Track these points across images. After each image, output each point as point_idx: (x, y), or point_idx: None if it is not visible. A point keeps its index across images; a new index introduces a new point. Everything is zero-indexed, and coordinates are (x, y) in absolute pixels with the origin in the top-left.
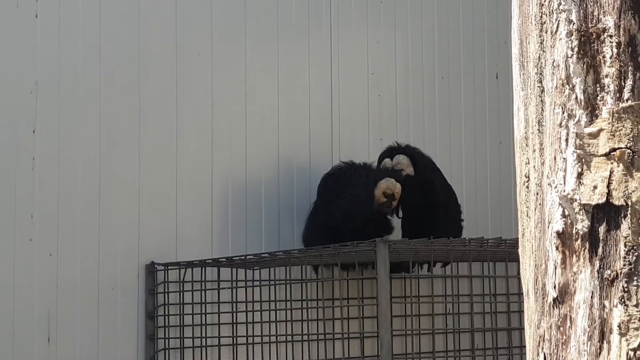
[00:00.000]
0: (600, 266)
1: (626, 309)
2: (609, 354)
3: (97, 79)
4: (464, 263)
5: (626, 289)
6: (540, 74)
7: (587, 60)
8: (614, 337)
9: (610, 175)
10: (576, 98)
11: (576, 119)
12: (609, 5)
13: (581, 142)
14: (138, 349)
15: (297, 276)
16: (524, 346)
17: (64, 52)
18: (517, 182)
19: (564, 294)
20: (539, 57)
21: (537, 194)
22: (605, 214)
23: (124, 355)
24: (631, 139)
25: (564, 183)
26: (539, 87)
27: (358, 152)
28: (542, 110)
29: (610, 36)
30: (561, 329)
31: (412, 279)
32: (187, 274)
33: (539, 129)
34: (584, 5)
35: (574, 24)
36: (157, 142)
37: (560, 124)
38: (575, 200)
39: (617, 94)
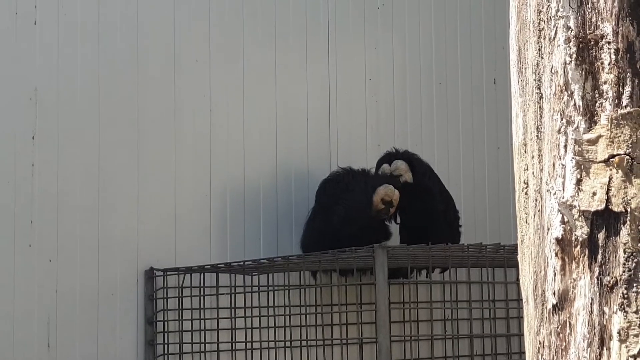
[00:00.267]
0: (599, 273)
1: (626, 316)
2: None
3: (96, 86)
4: (462, 269)
5: (626, 296)
6: (539, 80)
7: (585, 67)
8: (614, 344)
9: (609, 182)
10: (575, 104)
11: (575, 125)
12: (607, 12)
13: (580, 149)
14: (137, 354)
15: (295, 282)
16: (523, 352)
17: (63, 59)
18: (515, 189)
19: (563, 301)
20: (537, 64)
21: (536, 200)
22: (605, 220)
23: None
24: (630, 146)
25: (563, 189)
26: (537, 93)
27: (356, 158)
28: (541, 116)
29: (609, 43)
30: (561, 335)
31: (410, 285)
32: (185, 280)
33: (537, 136)
34: (582, 12)
35: (572, 30)
36: (155, 148)
37: (559, 130)
38: (575, 206)
39: (616, 101)
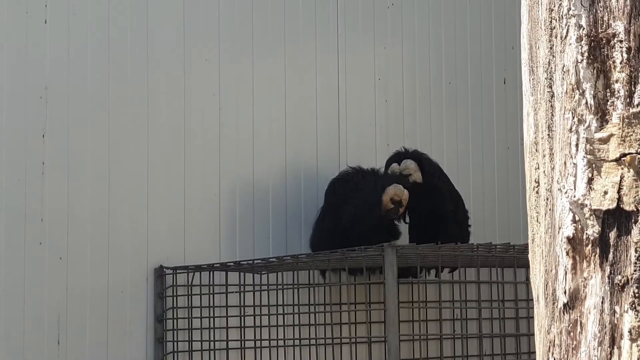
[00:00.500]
0: (610, 272)
1: (637, 315)
2: (619, 359)
3: (106, 84)
4: (471, 269)
5: (637, 295)
6: (550, 79)
7: (597, 66)
8: (625, 343)
9: (620, 181)
10: (586, 103)
11: (586, 124)
12: (619, 11)
13: (591, 148)
14: (147, 352)
15: (304, 281)
16: (532, 352)
17: (73, 58)
18: (526, 188)
19: (574, 300)
20: (549, 62)
21: (547, 199)
22: (616, 219)
23: (132, 358)
24: None
25: (575, 188)
26: (548, 92)
27: (365, 157)
28: (552, 115)
29: (620, 41)
30: (571, 334)
31: (419, 284)
32: (195, 278)
33: (548, 134)
34: (594, 11)
35: (583, 29)
36: (165, 147)
37: (571, 129)
38: (586, 205)
39: (628, 99)
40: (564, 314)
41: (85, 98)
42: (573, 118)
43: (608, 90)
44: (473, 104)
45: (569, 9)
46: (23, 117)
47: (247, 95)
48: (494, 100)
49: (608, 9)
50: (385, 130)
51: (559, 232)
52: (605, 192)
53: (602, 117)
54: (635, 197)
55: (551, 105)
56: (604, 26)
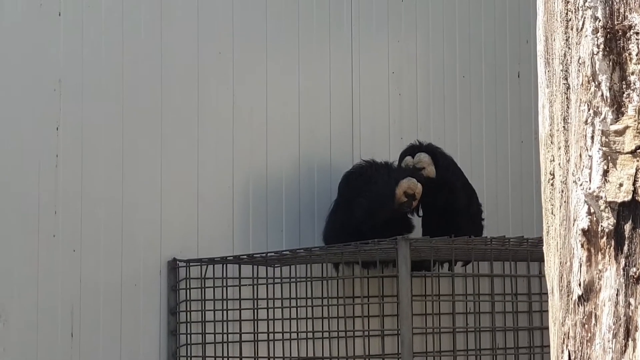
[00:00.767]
0: (625, 264)
1: None
2: (634, 351)
3: (120, 77)
4: (484, 262)
5: None
6: (566, 71)
7: (613, 58)
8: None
9: (636, 173)
10: (602, 95)
11: (602, 116)
12: (635, 3)
13: (607, 140)
14: (160, 344)
15: (317, 274)
16: (545, 346)
17: (87, 50)
18: (541, 180)
19: (589, 292)
20: (565, 54)
21: (562, 191)
22: (631, 211)
23: (146, 350)
24: None
25: (590, 180)
26: (564, 84)
27: (378, 151)
28: (568, 107)
29: (637, 33)
30: (586, 326)
31: (432, 278)
32: (208, 271)
33: (564, 126)
34: (610, 3)
35: (599, 21)
36: (179, 140)
37: (586, 121)
38: (601, 197)
39: None
40: (578, 306)
41: (99, 91)
42: (589, 110)
43: (624, 82)
44: (487, 97)
45: (585, 1)
46: (37, 110)
47: (260, 88)
48: (508, 94)
49: (624, 1)
50: (399, 123)
51: (574, 224)
52: (621, 185)
53: (618, 109)
54: None
55: (567, 98)
56: (620, 18)
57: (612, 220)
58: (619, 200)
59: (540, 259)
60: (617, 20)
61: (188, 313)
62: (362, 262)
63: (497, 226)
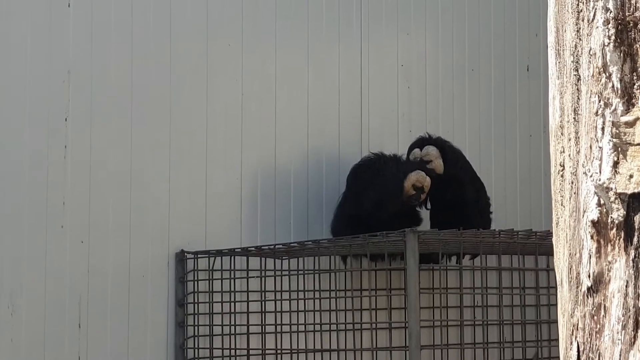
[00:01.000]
0: (635, 255)
1: None
2: None
3: (129, 68)
4: (492, 255)
5: None
6: (577, 62)
7: (624, 49)
8: None
9: None
10: (613, 86)
11: (612, 107)
12: None
13: (617, 131)
14: (168, 336)
15: (325, 266)
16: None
17: (96, 41)
18: (551, 171)
19: (598, 283)
20: (576, 45)
21: (572, 182)
22: None
23: (153, 341)
24: None
25: (600, 172)
26: (575, 75)
27: (387, 143)
28: (578, 98)
29: None
30: (595, 317)
31: (440, 271)
32: (216, 263)
33: (574, 118)
34: None
35: (611, 12)
36: (187, 132)
37: (597, 112)
38: (611, 189)
39: None
40: (587, 297)
41: (107, 82)
42: (599, 101)
43: (635, 73)
44: (496, 91)
45: None
46: (46, 101)
47: (269, 80)
48: (517, 88)
49: None
50: (407, 116)
51: (583, 215)
52: (631, 176)
53: (629, 100)
54: None
55: (577, 89)
56: (632, 9)
57: (622, 212)
58: (629, 192)
59: (548, 253)
60: (629, 12)
61: (196, 305)
62: (370, 254)
63: (505, 219)
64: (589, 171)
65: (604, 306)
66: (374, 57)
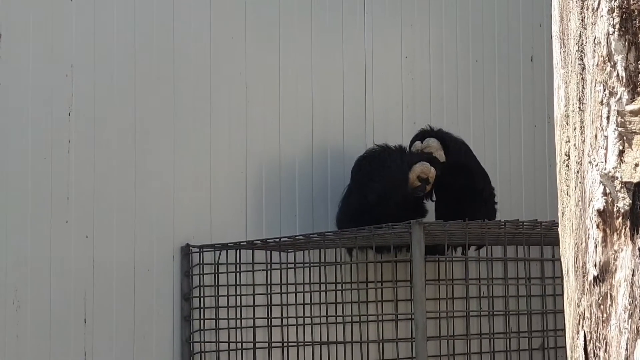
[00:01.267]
0: None
1: None
2: None
3: (132, 63)
4: (498, 246)
5: None
6: (581, 51)
7: (628, 38)
8: None
9: None
10: (618, 75)
11: (617, 96)
12: None
13: (622, 120)
14: (174, 330)
15: (331, 259)
16: (559, 329)
17: (99, 35)
18: (557, 161)
19: (604, 272)
20: (580, 35)
21: (578, 172)
22: None
23: (159, 335)
24: None
25: (605, 161)
26: (579, 64)
27: (391, 135)
28: (583, 87)
29: None
30: (602, 307)
31: (446, 262)
32: (221, 256)
33: (579, 107)
34: None
35: (615, 0)
36: (191, 125)
37: (602, 101)
38: (617, 178)
39: None
40: (594, 286)
41: (111, 76)
42: (604, 90)
43: (639, 62)
44: (500, 81)
45: None
46: (49, 95)
47: (273, 73)
48: (521, 78)
49: None
50: (412, 108)
51: (589, 205)
52: (636, 165)
53: (634, 89)
54: None
55: (582, 78)
56: None
57: (627, 201)
58: (635, 181)
59: (554, 243)
60: (633, 0)
61: (201, 299)
62: (376, 246)
63: (510, 210)
64: (595, 160)
65: (611, 295)
66: (378, 49)
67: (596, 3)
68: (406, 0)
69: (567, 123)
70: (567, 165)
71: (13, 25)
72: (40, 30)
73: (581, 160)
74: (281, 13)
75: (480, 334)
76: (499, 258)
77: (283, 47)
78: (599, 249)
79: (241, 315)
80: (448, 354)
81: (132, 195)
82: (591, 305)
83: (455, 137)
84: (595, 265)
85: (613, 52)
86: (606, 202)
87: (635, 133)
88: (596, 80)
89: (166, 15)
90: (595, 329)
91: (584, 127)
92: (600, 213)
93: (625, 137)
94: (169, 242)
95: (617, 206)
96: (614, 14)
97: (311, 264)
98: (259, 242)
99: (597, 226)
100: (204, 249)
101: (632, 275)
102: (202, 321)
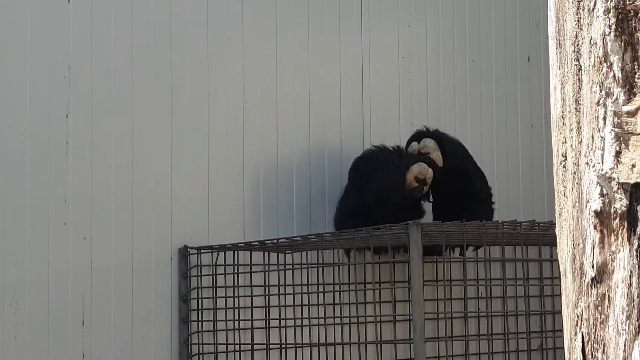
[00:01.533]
0: (638, 245)
1: None
2: None
3: (130, 64)
4: (496, 247)
5: None
6: (578, 52)
7: (624, 38)
8: None
9: None
10: (614, 76)
11: (614, 97)
12: None
13: (619, 121)
14: (172, 332)
15: (329, 260)
16: (557, 330)
17: (97, 37)
18: (553, 162)
19: (602, 273)
20: (576, 35)
21: (575, 173)
22: None
23: (158, 337)
24: None
25: (602, 162)
26: (576, 65)
27: (389, 136)
28: (580, 88)
29: None
30: (599, 308)
31: (444, 263)
32: (219, 258)
33: (576, 108)
34: None
35: (611, 1)
36: (189, 127)
37: (598, 102)
38: (614, 179)
39: None
40: (591, 288)
41: (108, 78)
42: (601, 91)
43: (636, 62)
44: (497, 82)
45: None
46: (46, 97)
47: (270, 74)
48: (518, 78)
49: None
50: (409, 108)
51: (586, 206)
52: (633, 165)
53: (630, 90)
54: None
55: (578, 79)
56: None
57: (624, 202)
58: (632, 182)
59: (552, 243)
60: (629, 1)
61: (199, 300)
62: (374, 247)
63: (508, 211)
64: (591, 161)
65: (608, 296)
66: (375, 49)
67: (592, 3)
68: (403, 0)
69: (563, 124)
70: (564, 166)
71: (10, 26)
72: (37, 32)
73: (578, 161)
74: (278, 14)
75: (478, 335)
76: (497, 259)
77: (280, 48)
78: (597, 250)
79: (239, 317)
80: (446, 355)
81: (129, 197)
82: (589, 307)
83: (451, 138)
84: (592, 267)
85: (609, 53)
86: (603, 203)
87: (632, 134)
88: (592, 81)
89: (163, 16)
90: (593, 330)
91: (580, 128)
92: (597, 214)
93: (622, 138)
94: (167, 244)
95: (614, 207)
96: (610, 14)
97: (309, 265)
98: (256, 243)
99: (595, 227)
100: (202, 251)
101: (630, 277)
102: (200, 323)
